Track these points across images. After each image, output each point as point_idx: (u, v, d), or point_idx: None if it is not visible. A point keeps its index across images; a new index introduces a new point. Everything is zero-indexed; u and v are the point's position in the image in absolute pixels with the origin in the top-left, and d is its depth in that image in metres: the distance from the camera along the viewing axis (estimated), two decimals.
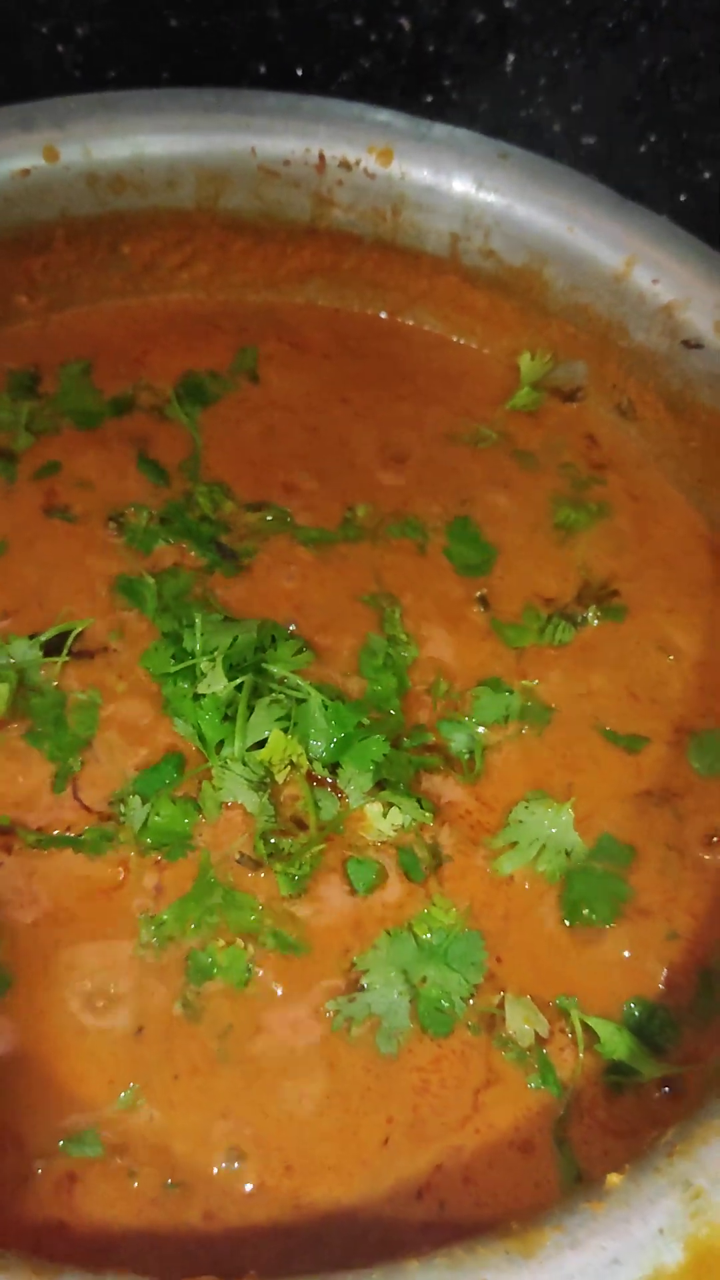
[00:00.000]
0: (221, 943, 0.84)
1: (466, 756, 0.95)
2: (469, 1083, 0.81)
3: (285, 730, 0.91)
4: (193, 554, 1.03)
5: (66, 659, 0.94)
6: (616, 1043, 0.84)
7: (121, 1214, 0.74)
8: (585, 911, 0.88)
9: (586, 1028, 0.83)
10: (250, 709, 0.91)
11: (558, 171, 1.06)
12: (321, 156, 1.07)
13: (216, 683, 0.91)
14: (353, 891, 0.87)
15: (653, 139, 1.29)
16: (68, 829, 0.87)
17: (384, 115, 1.08)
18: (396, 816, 0.90)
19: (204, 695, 0.91)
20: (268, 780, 0.91)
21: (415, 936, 0.85)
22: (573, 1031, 0.83)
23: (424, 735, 0.96)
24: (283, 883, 0.87)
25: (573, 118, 1.27)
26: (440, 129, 1.07)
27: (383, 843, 0.90)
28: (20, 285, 1.11)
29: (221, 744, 0.91)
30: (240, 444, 1.11)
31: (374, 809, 0.91)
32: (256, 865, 0.87)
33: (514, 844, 0.91)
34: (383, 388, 1.16)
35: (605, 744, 0.97)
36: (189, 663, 0.92)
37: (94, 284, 1.15)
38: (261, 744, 0.90)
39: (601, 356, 1.10)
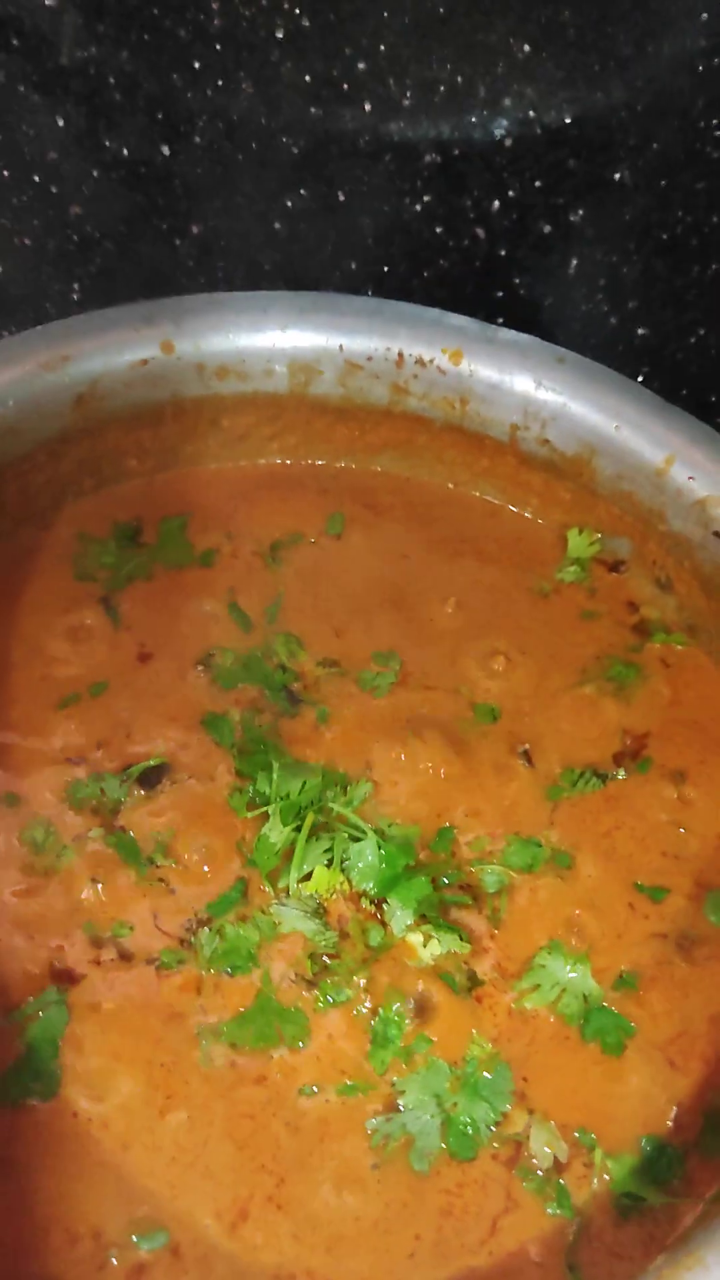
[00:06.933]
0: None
1: (493, 897, 1.05)
2: (489, 1210, 0.90)
3: (329, 864, 1.03)
4: (266, 697, 1.16)
5: (147, 794, 1.08)
6: (628, 1174, 0.92)
7: None
8: (601, 1047, 0.97)
9: (603, 1159, 0.92)
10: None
11: (608, 376, 1.20)
12: (400, 355, 1.22)
13: (274, 830, 1.04)
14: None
15: (701, 332, 1.43)
16: (151, 957, 0.99)
17: (458, 320, 1.23)
18: (435, 947, 1.01)
19: (265, 836, 1.04)
20: (321, 910, 1.03)
21: (450, 1065, 0.95)
22: (589, 1162, 0.92)
23: (460, 875, 1.06)
24: (320, 1001, 0.98)
25: (628, 313, 1.41)
26: (506, 334, 1.21)
27: (425, 969, 1.00)
28: (131, 451, 1.27)
29: (277, 876, 1.03)
30: (316, 597, 1.24)
31: (416, 939, 1.02)
32: (310, 984, 0.99)
33: (537, 986, 1.01)
34: (445, 548, 1.30)
35: (628, 892, 1.06)
36: (262, 809, 1.05)
37: (194, 450, 1.31)
38: (309, 876, 1.03)
39: (644, 537, 1.22)
